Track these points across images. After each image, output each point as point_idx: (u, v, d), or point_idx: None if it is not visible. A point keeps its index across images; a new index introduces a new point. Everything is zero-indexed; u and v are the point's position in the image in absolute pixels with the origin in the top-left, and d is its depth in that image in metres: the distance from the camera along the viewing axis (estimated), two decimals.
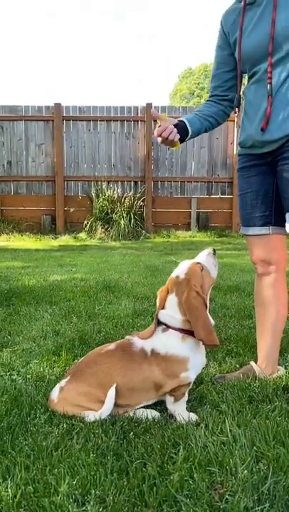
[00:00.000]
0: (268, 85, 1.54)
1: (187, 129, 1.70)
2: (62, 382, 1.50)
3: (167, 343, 1.47)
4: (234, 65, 1.72)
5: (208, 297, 1.56)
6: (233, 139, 8.55)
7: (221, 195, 8.73)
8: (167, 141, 1.62)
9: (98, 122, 8.60)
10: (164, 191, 8.80)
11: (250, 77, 1.68)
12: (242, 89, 1.73)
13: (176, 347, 1.46)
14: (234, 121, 8.38)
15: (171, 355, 1.45)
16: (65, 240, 7.99)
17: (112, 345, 1.54)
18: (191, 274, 1.50)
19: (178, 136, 1.62)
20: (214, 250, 1.62)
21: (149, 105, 8.45)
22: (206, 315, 1.46)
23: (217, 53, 1.76)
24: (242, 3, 1.61)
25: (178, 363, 1.45)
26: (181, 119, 1.72)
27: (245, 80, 1.74)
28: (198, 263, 1.54)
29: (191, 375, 1.46)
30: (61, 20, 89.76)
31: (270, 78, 1.54)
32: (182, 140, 1.70)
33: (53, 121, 8.48)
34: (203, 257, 1.58)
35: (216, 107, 1.79)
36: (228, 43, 1.70)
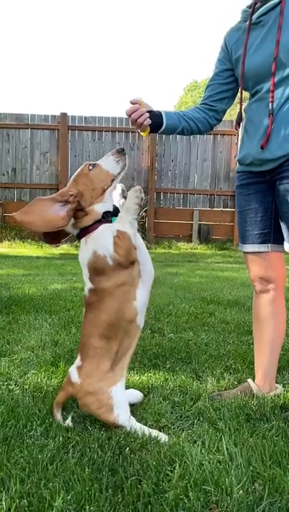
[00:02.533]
0: (270, 104, 1.57)
1: (162, 119, 1.71)
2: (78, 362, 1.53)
3: None
4: (230, 79, 1.77)
5: (110, 190, 1.56)
6: (236, 153, 8.60)
7: (223, 208, 8.77)
8: (136, 124, 1.63)
9: (103, 132, 8.68)
10: (167, 203, 8.84)
11: (251, 96, 1.71)
12: (243, 107, 1.77)
13: None
14: (237, 135, 8.46)
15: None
16: (67, 248, 8.00)
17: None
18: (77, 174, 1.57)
19: (148, 121, 1.62)
20: (122, 148, 1.61)
21: None
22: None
23: (216, 66, 1.81)
24: (247, 22, 1.65)
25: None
26: (159, 110, 1.73)
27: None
28: (92, 164, 1.57)
29: None
30: (68, 32, 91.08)
31: (272, 97, 1.57)
32: (155, 130, 1.71)
33: (58, 130, 8.56)
34: (103, 158, 1.60)
35: (201, 114, 1.81)
36: (228, 59, 1.75)
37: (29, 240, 8.27)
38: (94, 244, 1.48)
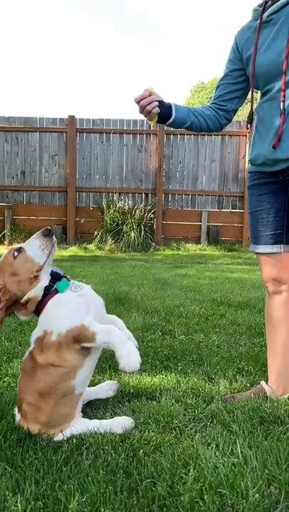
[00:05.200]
0: (281, 103, 1.56)
1: (171, 111, 1.70)
2: None
3: None
4: (240, 79, 1.76)
5: (35, 282, 1.46)
6: (244, 154, 8.57)
7: (232, 209, 8.72)
8: (145, 111, 1.61)
9: (111, 135, 8.69)
10: (175, 204, 8.83)
11: (262, 95, 1.70)
12: (254, 106, 1.75)
13: None
14: (246, 135, 8.43)
15: None
16: (75, 250, 8.03)
17: None
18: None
19: (157, 109, 1.61)
20: (48, 230, 1.51)
21: None
22: None
23: (227, 65, 1.80)
24: (258, 21, 1.64)
25: None
26: (170, 102, 1.72)
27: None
28: (17, 249, 1.48)
29: None
30: (76, 35, 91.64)
31: (284, 96, 1.56)
32: (163, 121, 1.70)
33: (66, 133, 8.60)
34: (29, 240, 1.51)
35: (211, 112, 1.80)
36: (239, 59, 1.74)
37: None
38: (44, 322, 1.44)
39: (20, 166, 8.71)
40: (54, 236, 1.52)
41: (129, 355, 1.35)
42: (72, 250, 8.02)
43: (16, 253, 1.46)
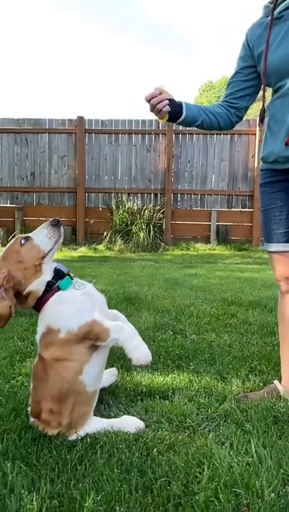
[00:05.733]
0: None
1: (182, 109, 1.69)
2: None
3: None
4: (251, 76, 1.75)
5: (42, 268, 1.46)
6: (254, 152, 8.53)
7: (242, 208, 8.67)
8: (155, 110, 1.61)
9: (120, 135, 8.70)
10: (184, 204, 8.81)
11: (274, 92, 1.69)
12: (266, 104, 1.74)
13: None
14: (255, 134, 8.37)
15: None
16: (85, 251, 8.06)
17: None
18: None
19: (167, 107, 1.60)
20: (57, 220, 1.52)
21: None
22: None
23: (237, 63, 1.79)
24: (269, 17, 1.63)
25: None
26: (180, 100, 1.71)
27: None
28: (24, 237, 1.48)
29: None
30: (85, 36, 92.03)
31: None
32: (173, 119, 1.69)
33: (75, 133, 8.64)
34: (37, 229, 1.52)
35: (222, 110, 1.79)
36: (250, 56, 1.73)
37: None
38: (47, 318, 1.44)
39: (29, 168, 8.77)
40: (62, 227, 1.52)
41: (138, 349, 1.38)
42: (82, 251, 8.05)
43: (22, 241, 1.46)
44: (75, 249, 8.20)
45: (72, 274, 1.53)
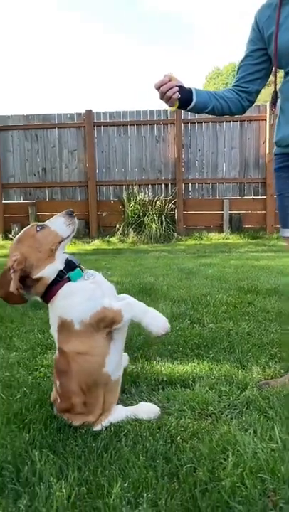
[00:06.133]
0: None
1: (192, 96, 1.66)
2: None
3: None
4: (262, 59, 1.71)
5: (59, 252, 1.49)
6: (265, 139, 8.40)
7: (254, 196, 8.58)
8: (165, 97, 1.59)
9: (128, 127, 8.66)
10: (196, 193, 8.75)
11: (286, 74, 1.65)
12: (278, 87, 1.71)
13: None
14: (265, 120, 8.24)
15: None
16: (98, 244, 8.09)
17: None
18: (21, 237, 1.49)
19: (177, 94, 1.57)
20: (72, 211, 1.55)
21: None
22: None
23: (247, 46, 1.75)
24: None
25: None
26: (190, 86, 1.68)
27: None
28: (40, 225, 1.50)
29: None
30: (90, 28, 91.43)
31: None
32: (184, 106, 1.67)
33: (84, 127, 8.62)
34: (53, 218, 1.54)
35: (233, 95, 1.75)
36: (260, 38, 1.69)
37: None
38: (59, 309, 1.43)
39: (41, 163, 8.80)
40: (76, 218, 1.55)
41: (155, 319, 1.40)
42: (95, 244, 8.08)
43: (38, 228, 1.48)
44: (89, 242, 8.24)
45: (83, 267, 1.53)
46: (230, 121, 8.42)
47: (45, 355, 2.14)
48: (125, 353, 1.87)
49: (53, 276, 1.44)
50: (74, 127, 8.69)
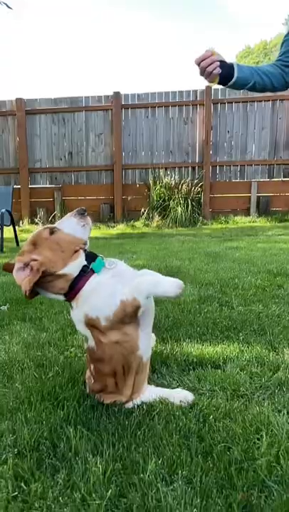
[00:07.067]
0: None
1: (233, 71, 1.60)
2: None
3: None
4: None
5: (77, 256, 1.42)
6: None
7: (283, 178, 8.35)
8: (205, 73, 1.54)
9: (156, 109, 8.53)
10: (223, 176, 8.59)
11: None
12: None
13: None
14: None
15: None
16: (123, 228, 8.10)
17: None
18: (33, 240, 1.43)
19: (218, 70, 1.53)
20: (84, 210, 1.47)
21: (208, 88, 8.22)
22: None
23: None
24: None
25: None
26: (231, 61, 1.63)
27: None
28: (51, 228, 1.42)
29: None
30: (116, 7, 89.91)
31: None
32: (224, 82, 1.61)
33: (111, 110, 8.55)
34: (64, 219, 1.47)
35: (276, 69, 1.68)
36: None
37: None
38: (85, 306, 1.40)
39: (67, 147, 8.82)
40: (88, 217, 1.48)
41: (167, 286, 1.34)
42: (120, 228, 8.10)
43: (50, 231, 1.41)
44: (113, 226, 8.26)
45: (101, 255, 1.49)
46: (261, 101, 8.16)
47: (75, 336, 2.17)
48: (152, 334, 1.88)
49: (77, 272, 1.41)
50: (101, 110, 8.63)
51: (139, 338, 1.42)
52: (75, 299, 1.42)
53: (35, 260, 1.37)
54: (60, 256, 1.39)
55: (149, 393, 1.48)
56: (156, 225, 8.10)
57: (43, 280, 1.39)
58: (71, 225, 1.43)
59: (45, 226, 1.43)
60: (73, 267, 1.41)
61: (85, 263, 1.42)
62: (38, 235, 1.42)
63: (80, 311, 1.42)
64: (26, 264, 1.38)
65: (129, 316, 1.37)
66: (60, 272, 1.39)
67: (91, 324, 1.40)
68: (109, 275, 1.42)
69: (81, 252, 1.44)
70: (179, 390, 1.51)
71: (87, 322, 1.41)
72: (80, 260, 1.42)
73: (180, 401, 1.43)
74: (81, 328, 1.45)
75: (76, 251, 1.42)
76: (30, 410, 1.41)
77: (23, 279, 1.37)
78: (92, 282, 1.40)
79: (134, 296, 1.35)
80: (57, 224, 1.45)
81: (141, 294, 1.35)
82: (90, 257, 1.45)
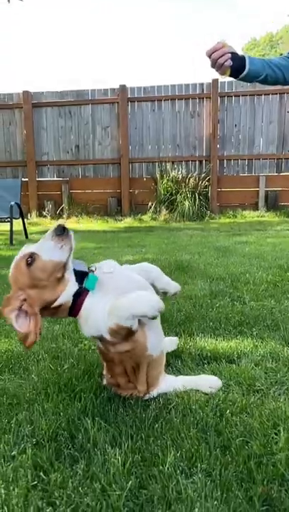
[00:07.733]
0: None
1: (244, 63, 1.58)
2: None
3: None
4: None
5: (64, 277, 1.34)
6: None
7: None
8: (217, 65, 1.52)
9: (162, 102, 8.48)
10: (230, 170, 8.54)
11: None
12: None
13: None
14: None
15: None
16: (130, 221, 8.09)
17: None
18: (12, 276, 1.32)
19: (229, 62, 1.51)
20: (62, 228, 1.32)
21: (215, 81, 8.15)
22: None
23: None
24: None
25: None
26: (243, 54, 1.61)
27: None
28: (27, 256, 1.30)
29: None
30: (123, 2, 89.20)
31: None
32: (236, 74, 1.59)
33: (118, 103, 8.51)
34: (41, 242, 1.34)
35: (288, 62, 1.67)
36: None
37: (95, 215, 8.48)
38: (86, 327, 1.38)
39: (74, 141, 8.81)
40: (69, 231, 1.34)
41: (143, 308, 1.27)
42: (127, 222, 8.10)
43: (29, 260, 1.29)
44: (121, 220, 8.26)
45: (92, 268, 1.42)
46: (269, 94, 8.09)
47: None
48: (175, 337, 1.90)
49: (71, 299, 1.35)
50: (107, 103, 8.60)
51: (147, 338, 1.39)
52: (78, 317, 1.39)
53: (25, 300, 1.29)
54: (46, 289, 1.31)
55: (166, 385, 1.48)
56: (164, 219, 8.09)
57: (42, 314, 1.34)
58: (49, 250, 1.31)
59: (23, 253, 1.32)
60: (65, 297, 1.35)
61: (76, 288, 1.36)
62: (16, 271, 1.32)
63: (83, 330, 1.40)
64: (20, 309, 1.29)
65: (128, 333, 1.33)
66: (55, 304, 1.34)
67: (98, 339, 1.40)
68: (102, 292, 1.36)
69: (68, 277, 1.35)
70: (204, 376, 1.53)
71: (94, 338, 1.41)
72: (70, 288, 1.35)
73: (209, 387, 1.46)
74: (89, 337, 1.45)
75: (59, 278, 1.33)
76: (47, 401, 1.43)
77: (28, 325, 1.29)
78: (87, 304, 1.35)
79: (115, 322, 1.29)
80: (34, 248, 1.32)
81: (121, 320, 1.28)
82: (81, 276, 1.38)
